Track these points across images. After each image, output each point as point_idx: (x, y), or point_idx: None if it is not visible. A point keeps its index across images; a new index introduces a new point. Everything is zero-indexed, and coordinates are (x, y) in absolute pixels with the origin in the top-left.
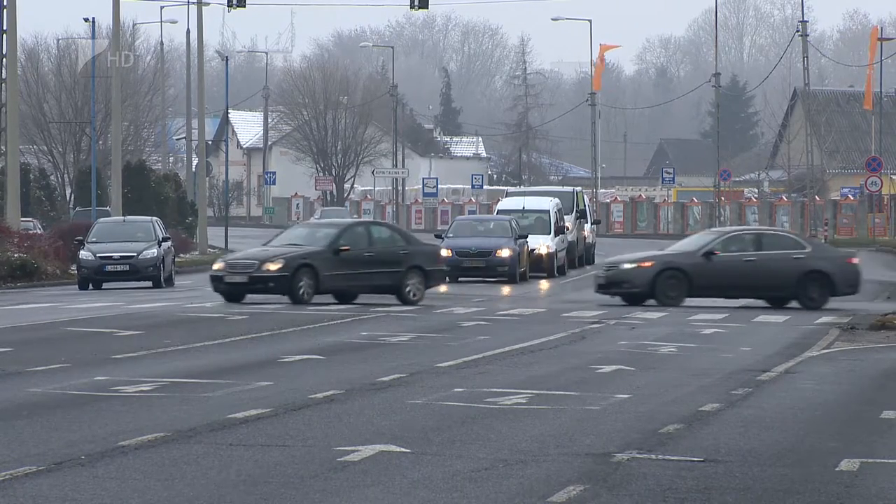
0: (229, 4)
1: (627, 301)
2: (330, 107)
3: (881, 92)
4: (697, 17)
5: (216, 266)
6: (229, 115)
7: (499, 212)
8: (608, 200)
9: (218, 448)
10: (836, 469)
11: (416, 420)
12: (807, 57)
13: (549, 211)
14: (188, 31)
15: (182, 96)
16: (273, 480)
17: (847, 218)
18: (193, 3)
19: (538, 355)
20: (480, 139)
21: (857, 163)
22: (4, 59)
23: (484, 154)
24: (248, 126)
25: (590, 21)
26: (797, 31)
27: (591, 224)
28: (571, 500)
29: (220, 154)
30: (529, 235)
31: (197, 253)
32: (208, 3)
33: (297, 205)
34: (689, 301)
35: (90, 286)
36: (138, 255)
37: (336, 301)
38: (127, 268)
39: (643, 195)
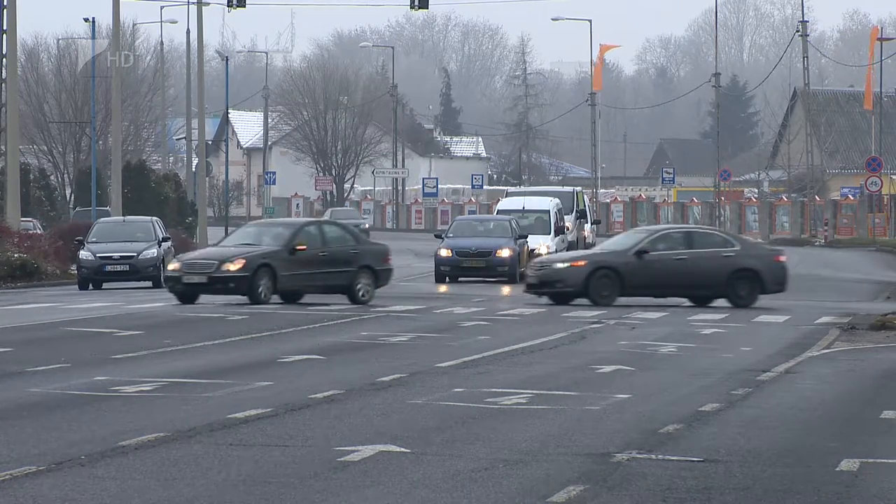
0: (229, 4)
1: (555, 300)
2: (330, 107)
3: (881, 92)
4: (697, 17)
5: (172, 266)
6: (229, 115)
7: (499, 212)
8: (608, 200)
9: (218, 448)
10: (836, 469)
11: (416, 420)
12: (807, 57)
13: (549, 211)
14: (188, 31)
15: (182, 96)
16: (273, 480)
17: (847, 218)
18: (193, 3)
19: (538, 355)
20: (480, 139)
21: (857, 163)
22: (4, 59)
23: (484, 154)
24: (248, 126)
25: (590, 21)
26: (797, 31)
27: (591, 224)
28: (571, 500)
29: (220, 154)
30: (529, 235)
31: None
32: (208, 3)
33: (297, 205)
34: (621, 300)
35: (90, 286)
36: (138, 255)
37: (282, 301)
38: (127, 268)
39: (643, 195)
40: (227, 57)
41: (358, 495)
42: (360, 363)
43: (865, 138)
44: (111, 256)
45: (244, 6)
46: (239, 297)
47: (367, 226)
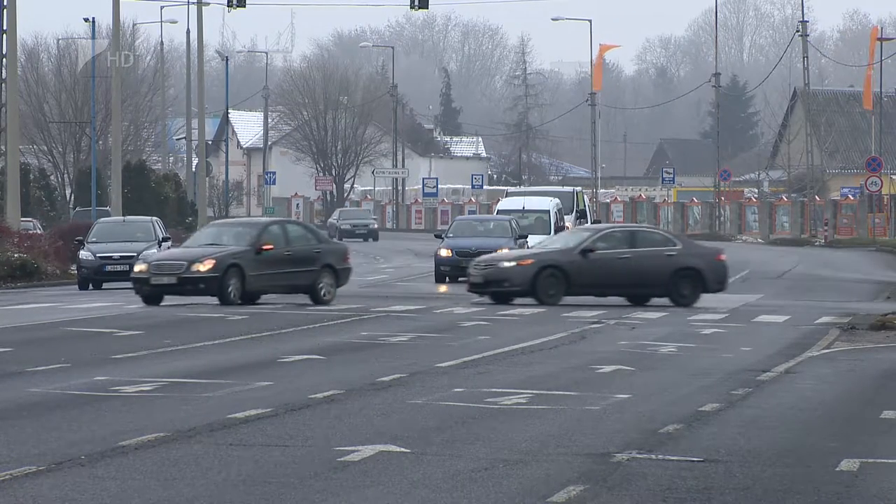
0: (229, 4)
1: (497, 300)
2: (330, 107)
3: (881, 92)
4: (697, 17)
5: (139, 268)
6: (229, 115)
7: (499, 212)
8: (608, 200)
9: (218, 448)
10: (836, 469)
11: (416, 420)
12: (807, 57)
13: (549, 211)
14: (188, 31)
15: (182, 96)
16: (273, 480)
17: (847, 218)
18: (193, 3)
19: (538, 355)
20: (480, 139)
21: (857, 163)
22: (4, 59)
23: (484, 154)
24: (248, 126)
25: (590, 21)
26: (797, 31)
27: (591, 224)
28: (571, 500)
29: (220, 154)
30: (529, 235)
31: None
32: (208, 3)
33: (297, 205)
34: (567, 299)
35: (90, 286)
36: (138, 255)
37: (240, 302)
38: (127, 268)
39: (643, 195)
40: (227, 57)
41: (358, 495)
42: (360, 363)
43: (865, 138)
44: (111, 256)
45: (244, 6)
46: (204, 298)
47: (375, 226)
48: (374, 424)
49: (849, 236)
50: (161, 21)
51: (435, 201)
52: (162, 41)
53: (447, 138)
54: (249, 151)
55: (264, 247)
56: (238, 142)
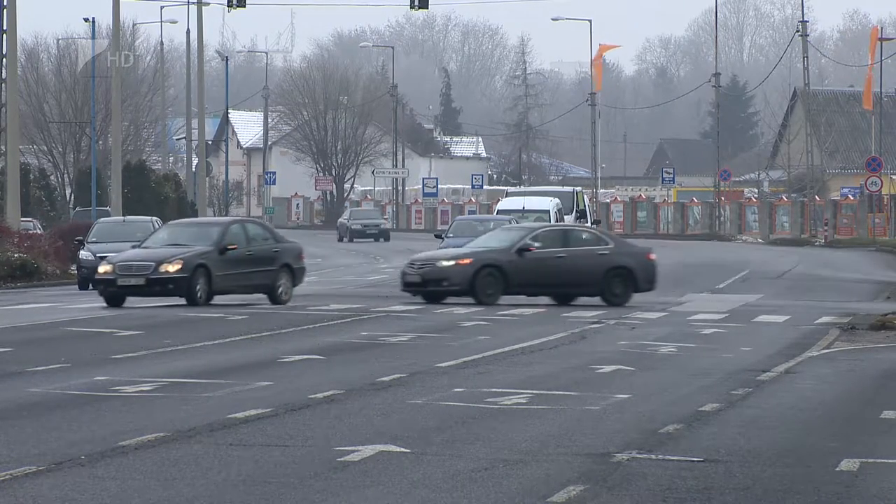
0: (229, 4)
1: (429, 299)
2: (330, 107)
3: (881, 92)
4: (697, 17)
5: (103, 269)
6: (229, 115)
7: (499, 212)
8: (608, 200)
9: (218, 448)
10: (836, 469)
11: (416, 420)
12: (807, 57)
13: (549, 211)
14: (188, 31)
15: (182, 96)
16: (273, 480)
17: (847, 218)
18: (193, 3)
19: (538, 355)
20: (480, 139)
21: (857, 163)
22: (4, 59)
23: (484, 154)
24: (248, 126)
25: (590, 21)
26: (797, 31)
27: (591, 224)
28: (571, 500)
29: (220, 154)
30: None
31: None
32: (208, 3)
33: (297, 205)
34: (504, 299)
35: (90, 286)
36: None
37: (206, 303)
38: None
39: (643, 195)
40: (227, 57)
41: (358, 495)
42: (360, 363)
43: (865, 138)
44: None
45: (244, 6)
46: (169, 299)
47: (386, 226)
48: (374, 424)
49: (849, 236)
50: (161, 21)
51: (435, 201)
52: (162, 41)
53: (447, 138)
54: (249, 151)
55: (229, 247)
56: (238, 142)
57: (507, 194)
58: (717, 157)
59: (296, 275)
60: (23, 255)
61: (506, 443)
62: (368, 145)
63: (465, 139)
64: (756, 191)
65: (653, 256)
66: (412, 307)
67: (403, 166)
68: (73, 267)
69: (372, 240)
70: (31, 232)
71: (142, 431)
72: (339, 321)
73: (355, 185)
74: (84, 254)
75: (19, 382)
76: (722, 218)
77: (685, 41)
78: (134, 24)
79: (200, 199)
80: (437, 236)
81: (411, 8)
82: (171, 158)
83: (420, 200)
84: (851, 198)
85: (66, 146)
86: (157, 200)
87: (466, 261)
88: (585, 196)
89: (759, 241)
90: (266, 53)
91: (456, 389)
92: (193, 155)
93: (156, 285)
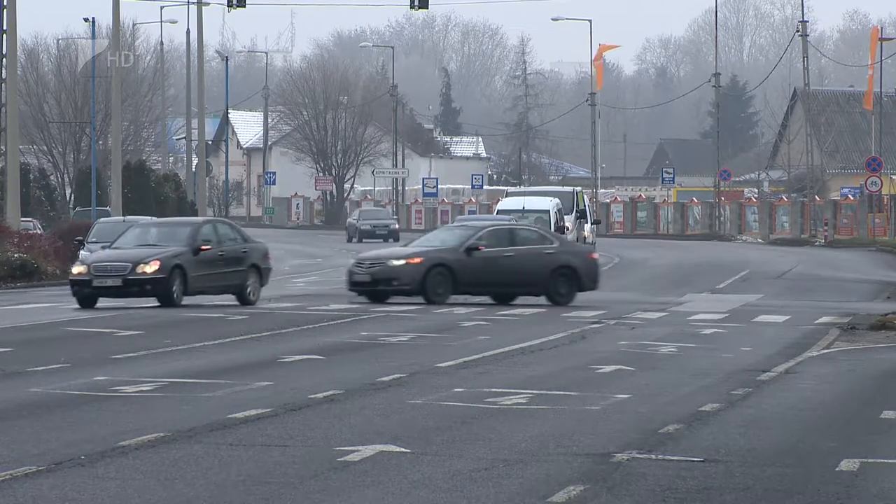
0: (229, 4)
1: (373, 299)
2: (330, 107)
3: (881, 92)
4: (697, 17)
5: (77, 270)
6: (229, 115)
7: (499, 212)
8: (608, 200)
9: (218, 448)
10: (836, 469)
11: (416, 420)
12: (807, 57)
13: (549, 211)
14: (188, 31)
15: (182, 96)
16: (273, 480)
17: (847, 218)
18: (193, 3)
19: (538, 355)
20: (480, 139)
21: (857, 163)
22: (4, 59)
23: (484, 154)
24: (248, 126)
25: (590, 21)
26: (797, 31)
27: (591, 224)
28: (571, 500)
29: (220, 154)
30: None
31: None
32: (208, 3)
33: (297, 205)
34: (452, 297)
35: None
36: None
37: (159, 304)
38: None
39: (643, 195)
40: (227, 57)
41: (358, 495)
42: (359, 363)
43: (865, 138)
44: None
45: (244, 6)
46: (141, 300)
47: (396, 226)
48: (374, 424)
49: (849, 236)
50: (161, 21)
51: (435, 201)
52: (162, 41)
53: (447, 138)
54: (249, 151)
55: (202, 247)
56: (238, 142)
57: (507, 194)
58: (717, 157)
59: (263, 275)
60: (23, 255)
61: (506, 443)
62: (368, 145)
63: (465, 139)
64: (756, 191)
65: (595, 256)
66: (412, 307)
67: (403, 166)
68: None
69: (381, 240)
70: (31, 232)
71: (142, 431)
72: (338, 321)
73: (355, 185)
74: (84, 254)
75: (19, 382)
76: (722, 218)
77: (685, 41)
78: (134, 24)
79: (200, 199)
80: None
81: (411, 8)
82: (171, 158)
83: (420, 200)
84: (851, 198)
85: (66, 146)
86: (157, 200)
87: (417, 260)
88: (585, 196)
89: (759, 241)
90: (266, 53)
91: (456, 389)
92: (193, 155)
93: (133, 286)
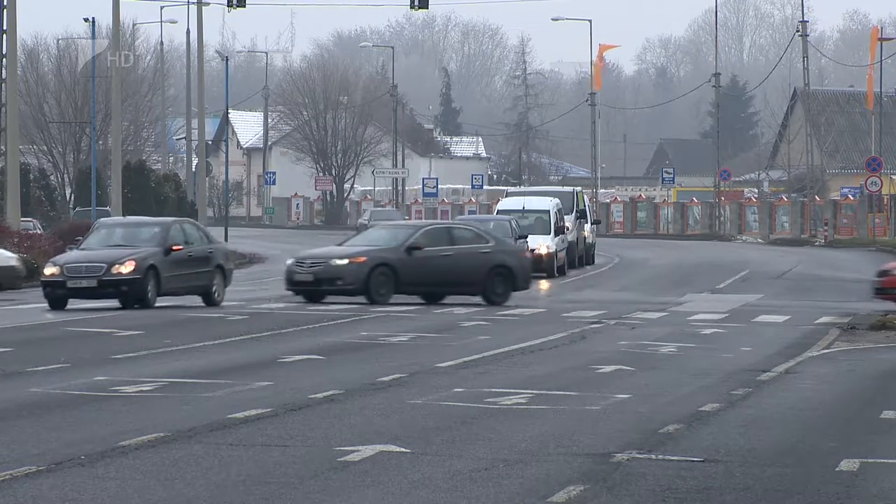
0: (229, 4)
1: (309, 298)
2: (330, 107)
3: (881, 92)
4: (697, 17)
5: (49, 271)
6: (229, 115)
7: (499, 212)
8: (608, 200)
9: (218, 448)
10: (836, 469)
11: (416, 420)
12: (807, 57)
13: (549, 211)
14: (188, 31)
15: (182, 96)
16: (273, 480)
17: (847, 218)
18: (193, 3)
19: (538, 355)
20: (480, 139)
21: (857, 163)
22: (4, 59)
23: (484, 154)
24: (248, 126)
25: (590, 21)
26: (797, 31)
27: (591, 224)
28: (571, 500)
29: (220, 154)
30: (529, 235)
31: None
32: (208, 3)
33: (297, 205)
34: (395, 298)
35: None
36: None
37: (122, 307)
38: None
39: (643, 195)
40: (227, 57)
41: (358, 495)
42: (359, 363)
43: (865, 138)
44: None
45: (244, 6)
46: (110, 301)
47: None
48: (374, 424)
49: (849, 236)
50: (161, 21)
51: (435, 201)
52: (162, 41)
53: (447, 138)
54: (249, 151)
55: (174, 247)
56: (238, 142)
57: (507, 194)
58: (717, 157)
59: (227, 276)
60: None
61: (506, 443)
62: (368, 145)
63: (465, 139)
64: (756, 191)
65: (528, 254)
66: (412, 307)
67: (403, 166)
68: None
69: None
70: (31, 232)
71: (142, 431)
72: (338, 321)
73: (355, 185)
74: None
75: (19, 382)
76: (722, 218)
77: (685, 41)
78: (134, 24)
79: (200, 199)
80: None
81: (411, 8)
82: (171, 158)
83: (420, 200)
84: (851, 198)
85: (66, 146)
86: (157, 200)
87: (361, 259)
88: (585, 196)
89: (759, 241)
90: (266, 53)
91: (456, 389)
92: (193, 155)
93: (108, 287)
